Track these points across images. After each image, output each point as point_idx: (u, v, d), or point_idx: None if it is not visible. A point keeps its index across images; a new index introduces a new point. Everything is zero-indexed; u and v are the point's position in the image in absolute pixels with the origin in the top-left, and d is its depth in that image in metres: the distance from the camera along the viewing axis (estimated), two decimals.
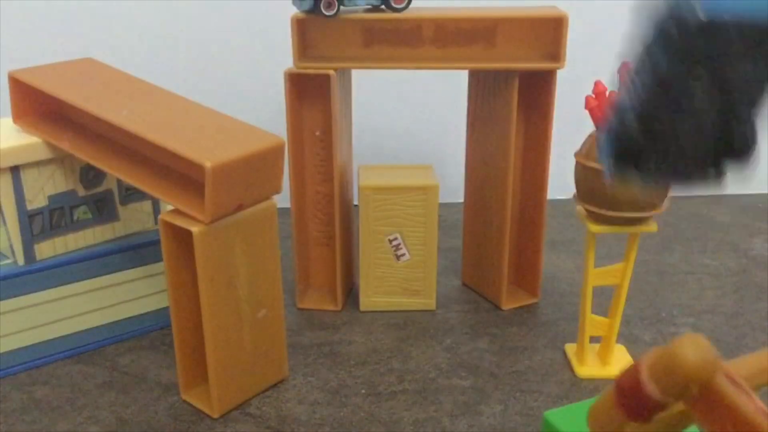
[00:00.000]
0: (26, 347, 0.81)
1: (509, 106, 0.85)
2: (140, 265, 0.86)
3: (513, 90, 0.84)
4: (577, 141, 0.77)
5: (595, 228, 0.74)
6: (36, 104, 0.80)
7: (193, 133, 0.70)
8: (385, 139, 1.26)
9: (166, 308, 0.89)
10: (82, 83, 0.79)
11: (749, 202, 1.26)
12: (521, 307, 0.93)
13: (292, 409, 0.75)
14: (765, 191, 1.30)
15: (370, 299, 0.93)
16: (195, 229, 0.66)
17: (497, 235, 0.92)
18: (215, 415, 0.73)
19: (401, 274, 0.92)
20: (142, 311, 0.88)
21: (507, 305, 0.93)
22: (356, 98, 1.13)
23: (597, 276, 0.76)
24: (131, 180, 0.72)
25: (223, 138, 0.69)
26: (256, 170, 0.68)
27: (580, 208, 0.75)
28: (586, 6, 1.18)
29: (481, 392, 0.77)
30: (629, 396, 0.42)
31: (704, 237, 1.11)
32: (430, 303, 0.93)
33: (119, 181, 0.85)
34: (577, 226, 1.18)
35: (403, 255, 0.90)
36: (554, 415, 0.61)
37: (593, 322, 0.79)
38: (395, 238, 0.90)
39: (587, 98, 0.72)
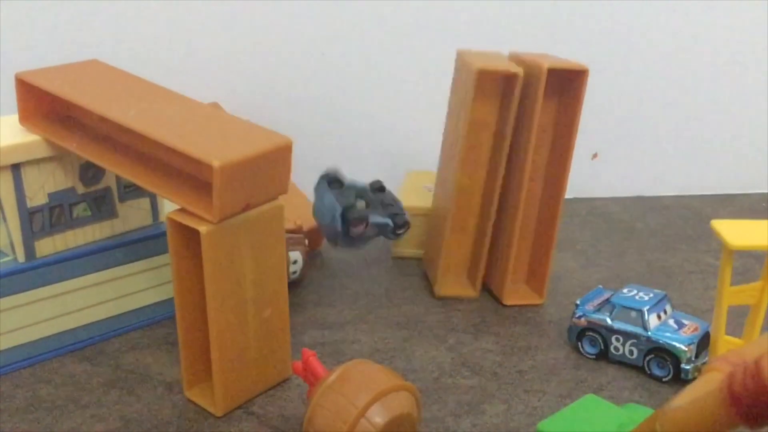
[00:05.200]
0: (28, 343, 0.81)
1: (534, 101, 0.85)
2: (139, 259, 0.86)
3: (539, 86, 0.84)
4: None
5: (734, 244, 0.68)
6: (42, 105, 0.80)
7: (200, 133, 0.70)
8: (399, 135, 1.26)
9: (165, 300, 0.89)
10: (88, 84, 0.79)
11: (751, 202, 1.27)
12: (525, 307, 0.93)
13: (295, 408, 0.74)
14: (765, 191, 1.31)
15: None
16: (203, 228, 0.66)
17: (508, 228, 0.92)
18: (219, 414, 0.73)
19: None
20: (143, 304, 0.88)
21: (509, 301, 0.93)
22: (371, 97, 1.13)
23: (732, 295, 0.72)
24: (139, 181, 0.72)
25: (230, 137, 0.69)
26: (263, 170, 0.68)
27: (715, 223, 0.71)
28: (607, 5, 1.19)
29: (485, 391, 0.77)
30: (750, 402, 0.39)
31: (708, 237, 1.12)
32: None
33: (118, 179, 0.85)
34: (580, 226, 1.18)
35: None
36: (548, 424, 0.61)
37: (727, 345, 0.74)
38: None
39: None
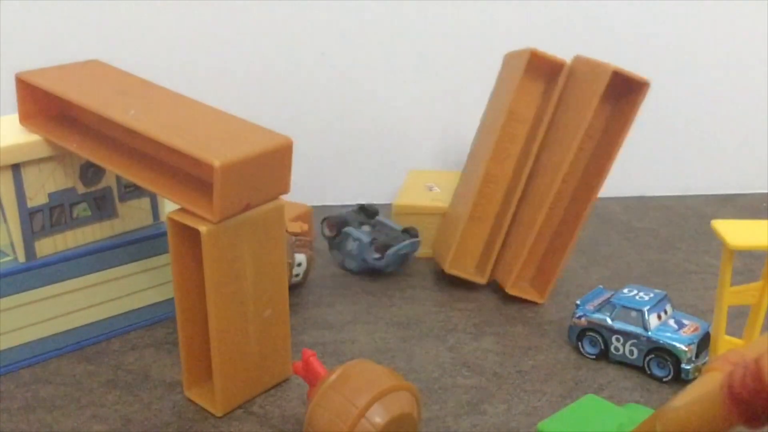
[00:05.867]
0: (28, 343, 0.81)
1: (590, 101, 0.86)
2: (139, 260, 0.86)
3: (599, 87, 0.85)
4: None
5: (734, 244, 0.69)
6: (43, 106, 0.80)
7: (201, 133, 0.70)
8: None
9: (165, 301, 0.89)
10: (89, 84, 0.79)
11: (751, 202, 1.27)
12: (525, 307, 0.93)
13: (295, 408, 0.74)
14: (765, 191, 1.31)
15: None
16: (203, 228, 0.66)
17: (528, 221, 0.92)
18: (219, 414, 0.73)
19: None
20: (142, 304, 0.88)
21: (513, 291, 0.93)
22: (371, 97, 1.13)
23: (732, 295, 0.72)
24: (139, 180, 0.72)
25: (231, 137, 0.69)
26: (264, 170, 0.68)
27: (715, 223, 0.72)
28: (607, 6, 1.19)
29: (485, 392, 0.77)
30: (751, 401, 0.39)
31: (708, 237, 1.12)
32: None
33: (118, 179, 0.85)
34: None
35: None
36: (548, 424, 0.61)
37: (727, 345, 0.74)
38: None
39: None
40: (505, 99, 0.93)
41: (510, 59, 0.96)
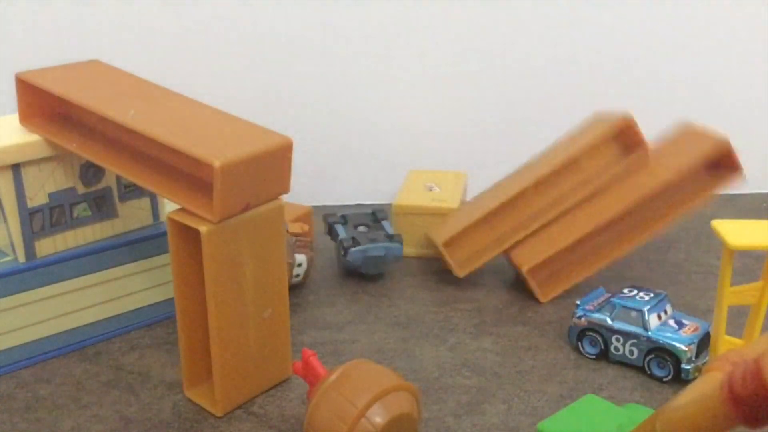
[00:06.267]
0: (28, 343, 0.81)
1: (685, 165, 0.89)
2: (138, 260, 0.86)
3: (700, 154, 0.88)
4: None
5: (734, 244, 0.69)
6: (43, 106, 0.80)
7: (200, 133, 0.70)
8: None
9: (165, 301, 0.89)
10: (89, 85, 0.79)
11: (751, 202, 1.26)
12: (525, 307, 0.93)
13: (295, 408, 0.74)
14: (765, 191, 1.31)
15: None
16: (203, 228, 0.66)
17: (570, 227, 0.94)
18: (219, 414, 0.73)
19: None
20: (143, 304, 0.88)
21: (526, 273, 0.93)
22: (370, 97, 1.13)
23: (733, 295, 0.72)
24: (139, 180, 0.72)
25: (230, 137, 0.69)
26: (264, 169, 0.68)
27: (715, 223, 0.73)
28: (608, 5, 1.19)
29: (485, 392, 0.77)
30: (750, 401, 0.39)
31: (708, 237, 1.12)
32: None
33: (118, 179, 0.85)
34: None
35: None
36: (548, 424, 0.61)
37: (727, 345, 0.74)
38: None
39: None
40: (575, 144, 0.94)
41: (597, 115, 0.99)
